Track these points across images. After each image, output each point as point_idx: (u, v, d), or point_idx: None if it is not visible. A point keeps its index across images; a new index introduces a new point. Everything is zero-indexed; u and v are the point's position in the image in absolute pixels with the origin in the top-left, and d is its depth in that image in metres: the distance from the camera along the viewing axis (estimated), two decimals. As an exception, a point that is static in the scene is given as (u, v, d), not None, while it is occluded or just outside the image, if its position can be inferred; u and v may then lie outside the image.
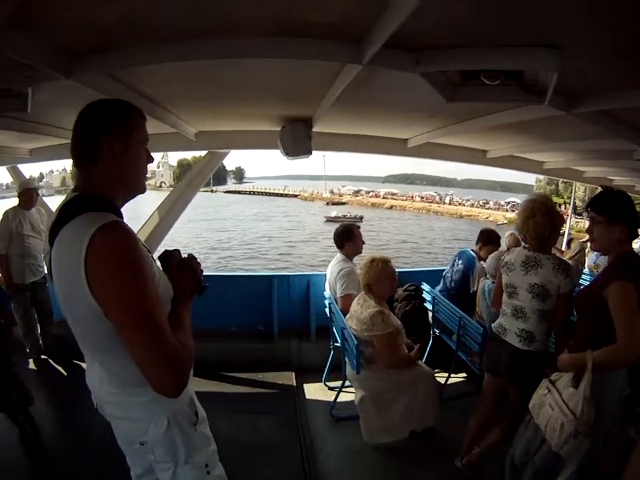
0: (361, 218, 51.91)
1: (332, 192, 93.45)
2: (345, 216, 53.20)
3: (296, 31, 1.78)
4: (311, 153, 3.66)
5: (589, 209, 2.23)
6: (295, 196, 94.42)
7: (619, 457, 2.11)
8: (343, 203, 77.95)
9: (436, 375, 4.19)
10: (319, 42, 1.84)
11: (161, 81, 2.47)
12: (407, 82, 2.20)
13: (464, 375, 4.41)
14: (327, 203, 76.55)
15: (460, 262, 4.58)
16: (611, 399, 2.08)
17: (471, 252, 4.60)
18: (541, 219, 2.54)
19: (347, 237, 4.18)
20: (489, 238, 4.54)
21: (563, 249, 6.41)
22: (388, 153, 4.60)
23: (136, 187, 1.41)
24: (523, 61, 1.84)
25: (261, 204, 75.54)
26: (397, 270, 3.80)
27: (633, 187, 7.63)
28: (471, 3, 1.41)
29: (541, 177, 61.54)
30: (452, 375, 4.18)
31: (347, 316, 3.40)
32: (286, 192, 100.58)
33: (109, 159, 1.28)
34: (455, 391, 4.10)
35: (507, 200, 74.81)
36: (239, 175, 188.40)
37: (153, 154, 1.45)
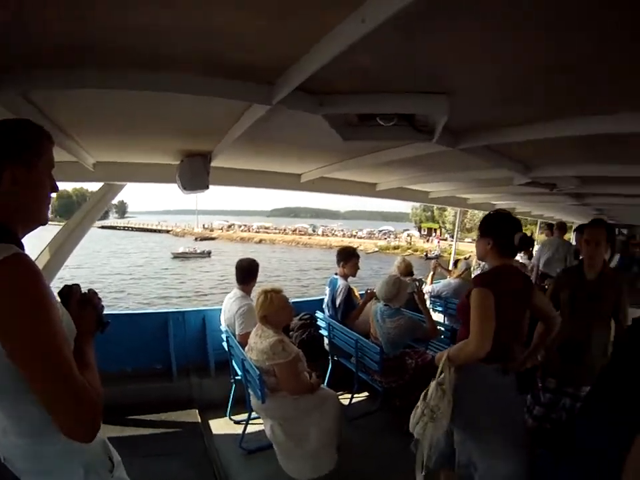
0: (209, 253, 51.85)
1: (204, 227, 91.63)
2: (191, 252, 52.44)
3: (214, 70, 1.86)
4: (208, 188, 3.66)
5: None
6: (168, 231, 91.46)
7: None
8: (213, 238, 76.67)
9: (340, 396, 4.44)
10: (234, 82, 1.94)
11: (73, 107, 2.37)
12: (306, 121, 2.33)
13: (366, 394, 4.67)
14: (196, 239, 74.69)
15: (328, 289, 4.87)
16: (480, 393, 2.37)
17: (334, 275, 4.88)
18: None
19: (254, 273, 4.30)
20: (347, 254, 4.79)
21: (450, 268, 7.05)
22: (282, 188, 4.74)
23: (38, 217, 1.29)
24: (415, 106, 2.08)
25: (128, 240, 71.61)
26: (292, 300, 3.98)
27: (514, 209, 8.55)
28: (377, 55, 1.59)
29: (417, 204, 65.99)
30: (355, 396, 4.42)
31: (246, 348, 3.43)
32: (159, 227, 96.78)
33: (9, 185, 1.17)
34: (359, 411, 4.32)
35: (380, 229, 79.11)
36: (122, 209, 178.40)
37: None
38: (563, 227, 7.21)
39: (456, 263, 6.83)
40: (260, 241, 73.71)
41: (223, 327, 4.24)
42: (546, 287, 4.80)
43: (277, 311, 3.31)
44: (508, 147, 3.07)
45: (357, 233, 78.00)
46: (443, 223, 66.26)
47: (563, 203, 6.71)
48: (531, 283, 2.62)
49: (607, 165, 3.51)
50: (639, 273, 12.24)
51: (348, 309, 4.66)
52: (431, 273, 6.71)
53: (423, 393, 2.42)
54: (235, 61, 1.75)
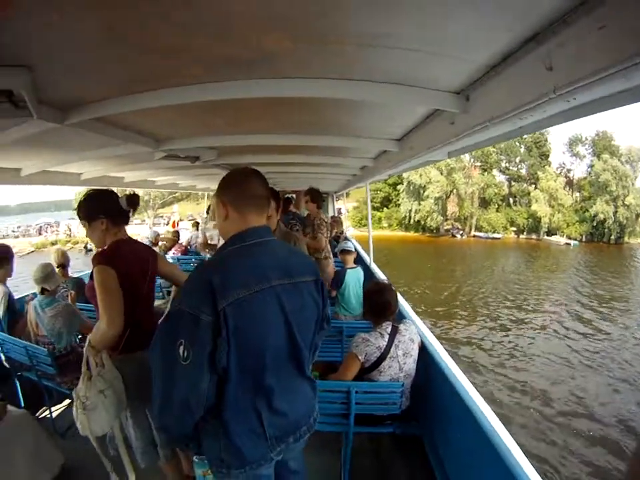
0: None
1: None
2: None
3: None
4: None
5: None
6: None
7: None
8: None
9: (45, 412, 4.22)
10: None
11: None
12: None
13: (68, 401, 4.35)
14: None
15: None
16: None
17: None
18: None
19: None
20: (3, 253, 4.25)
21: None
22: None
23: None
24: None
25: None
26: None
27: (176, 184, 8.71)
28: None
29: (80, 189, 59.71)
30: (55, 408, 4.15)
31: None
32: None
33: None
34: (67, 422, 3.98)
35: (37, 222, 65.88)
36: None
37: None
38: None
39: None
40: None
41: None
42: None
43: None
44: (129, 121, 3.08)
45: (13, 231, 62.91)
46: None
47: (218, 174, 7.05)
48: (154, 252, 2.79)
49: (236, 135, 3.84)
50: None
51: (13, 317, 4.21)
52: None
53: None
54: None
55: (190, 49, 1.78)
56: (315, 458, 2.18)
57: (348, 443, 3.01)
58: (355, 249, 6.19)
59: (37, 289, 3.90)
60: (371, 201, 10.22)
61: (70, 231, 59.03)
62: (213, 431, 1.62)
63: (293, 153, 5.07)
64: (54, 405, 4.14)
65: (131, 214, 2.62)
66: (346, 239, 8.53)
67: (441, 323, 19.32)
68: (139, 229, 34.69)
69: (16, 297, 4.43)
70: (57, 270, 4.12)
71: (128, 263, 2.38)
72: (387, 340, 3.07)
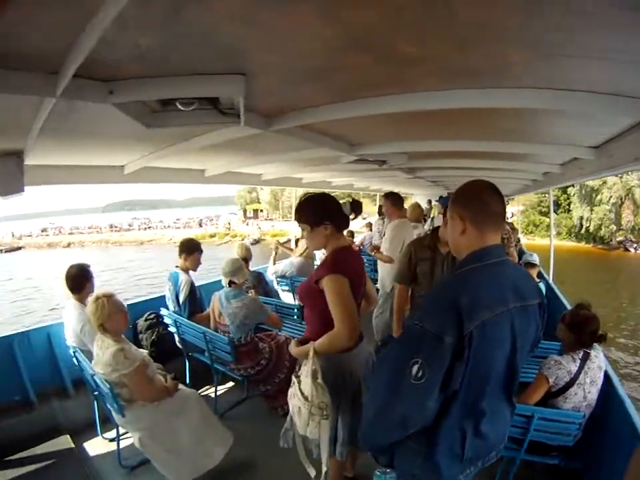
0: None
1: (13, 235, 72.48)
2: None
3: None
4: (24, 191, 3.27)
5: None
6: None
7: None
8: (19, 248, 63.72)
9: (206, 392, 4.55)
10: (15, 74, 1.70)
11: None
12: (106, 112, 2.16)
13: (230, 384, 4.76)
14: (0, 250, 60.71)
15: (170, 284, 4.68)
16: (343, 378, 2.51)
17: (175, 269, 4.70)
18: None
19: (85, 277, 3.99)
20: (190, 247, 4.69)
21: (292, 247, 7.34)
22: (107, 182, 4.37)
23: None
24: (210, 88, 2.02)
25: None
26: (133, 301, 4.21)
27: (352, 185, 9.03)
28: (157, 35, 1.51)
29: (241, 186, 61.92)
30: (218, 389, 4.44)
31: (93, 361, 3.22)
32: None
33: None
34: (227, 403, 4.38)
35: (198, 215, 72.97)
36: None
37: None
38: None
39: (297, 241, 7.13)
40: (68, 245, 63.76)
41: (70, 343, 3.92)
42: None
43: (111, 316, 3.09)
44: (328, 127, 3.16)
45: (174, 223, 71.05)
46: (267, 203, 65.86)
47: (397, 177, 7.23)
48: (363, 263, 2.79)
49: (428, 141, 3.80)
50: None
51: (193, 305, 4.61)
52: (273, 253, 6.88)
53: (296, 392, 2.42)
54: (20, 49, 1.53)
55: (428, 59, 1.79)
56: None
57: (512, 469, 2.90)
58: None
59: (224, 281, 4.16)
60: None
61: (229, 225, 64.08)
62: (417, 447, 1.63)
63: (475, 158, 4.97)
64: (219, 386, 4.46)
65: (351, 219, 2.65)
66: (521, 250, 8.04)
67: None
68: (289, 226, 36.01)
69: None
70: (238, 259, 4.40)
71: (353, 271, 2.44)
72: (578, 365, 2.89)
